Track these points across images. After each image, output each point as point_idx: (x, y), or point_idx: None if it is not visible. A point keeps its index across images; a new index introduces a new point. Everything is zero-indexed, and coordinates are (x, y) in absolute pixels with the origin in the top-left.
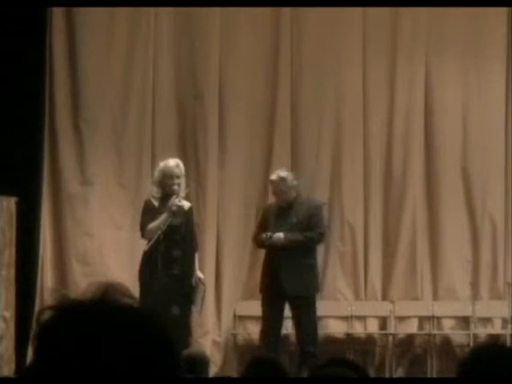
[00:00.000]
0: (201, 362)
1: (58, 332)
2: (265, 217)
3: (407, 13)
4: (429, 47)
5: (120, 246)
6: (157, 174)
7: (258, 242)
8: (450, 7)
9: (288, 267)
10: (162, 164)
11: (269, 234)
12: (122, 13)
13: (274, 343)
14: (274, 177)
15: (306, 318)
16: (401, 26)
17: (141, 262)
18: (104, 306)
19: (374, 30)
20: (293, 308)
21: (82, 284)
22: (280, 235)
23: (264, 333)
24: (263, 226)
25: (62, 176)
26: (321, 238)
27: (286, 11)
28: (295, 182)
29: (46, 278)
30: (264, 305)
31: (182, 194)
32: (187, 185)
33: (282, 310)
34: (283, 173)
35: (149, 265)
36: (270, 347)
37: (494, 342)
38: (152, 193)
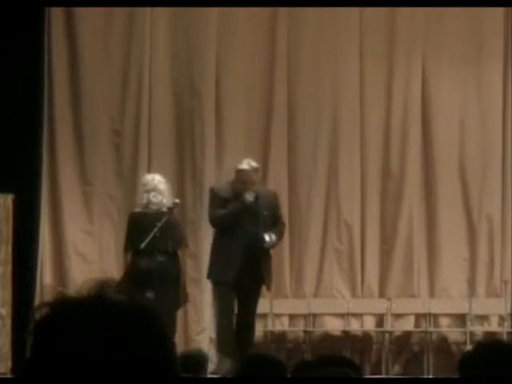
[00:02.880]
0: (199, 360)
1: (54, 329)
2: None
3: (404, 13)
4: (426, 47)
5: (119, 244)
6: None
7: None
8: (448, 8)
9: None
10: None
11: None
12: (120, 11)
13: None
14: (245, 166)
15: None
16: (398, 27)
17: (135, 259)
18: (100, 302)
19: (371, 30)
20: None
21: (80, 282)
22: (273, 238)
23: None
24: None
25: (61, 174)
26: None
27: (283, 10)
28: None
29: (46, 275)
30: None
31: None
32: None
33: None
34: (254, 163)
35: (146, 261)
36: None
37: (496, 340)
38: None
